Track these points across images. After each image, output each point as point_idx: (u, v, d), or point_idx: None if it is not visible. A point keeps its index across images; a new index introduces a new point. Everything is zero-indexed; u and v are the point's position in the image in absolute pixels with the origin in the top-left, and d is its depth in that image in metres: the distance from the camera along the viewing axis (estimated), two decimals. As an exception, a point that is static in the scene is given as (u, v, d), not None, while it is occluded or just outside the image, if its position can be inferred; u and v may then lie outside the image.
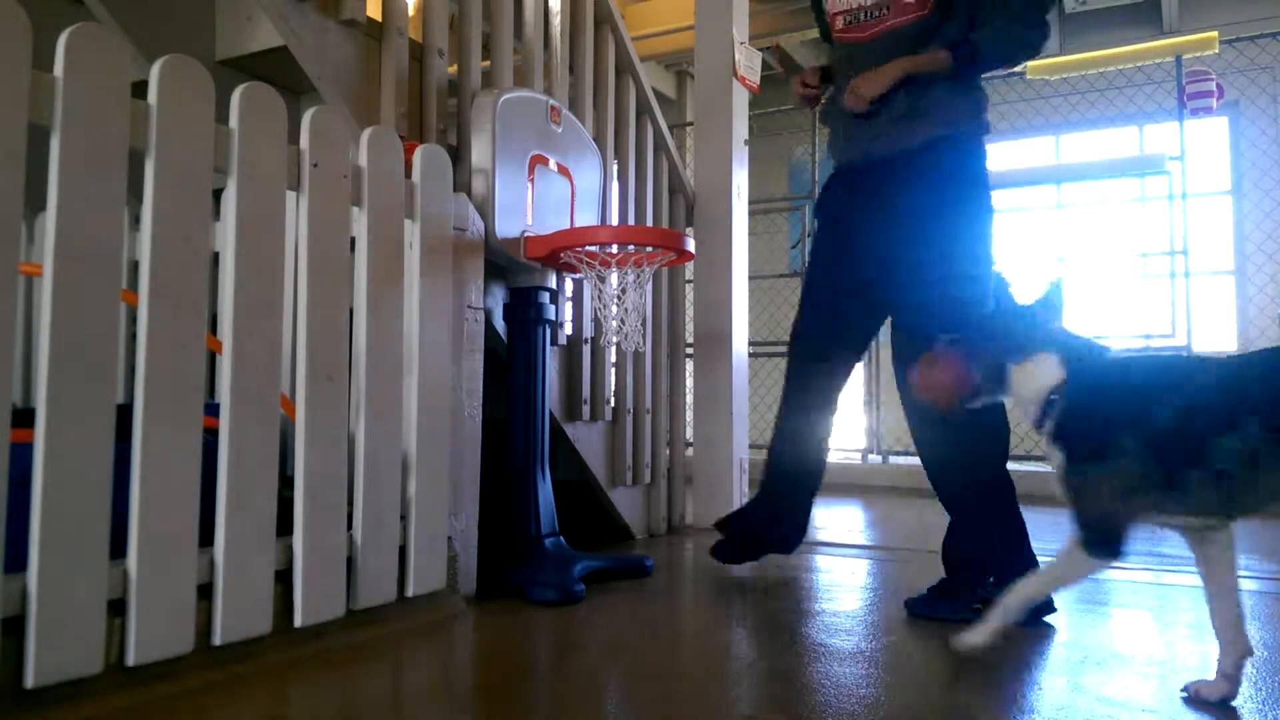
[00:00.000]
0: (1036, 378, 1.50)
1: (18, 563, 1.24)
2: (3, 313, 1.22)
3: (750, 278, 3.44)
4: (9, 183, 1.23)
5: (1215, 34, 5.00)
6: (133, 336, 1.48)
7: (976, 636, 1.51)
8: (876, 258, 2.10)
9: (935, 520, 3.31)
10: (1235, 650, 1.44)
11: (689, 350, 3.40)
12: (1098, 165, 6.19)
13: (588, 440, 2.75)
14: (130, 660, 1.33)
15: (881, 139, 2.05)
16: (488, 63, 2.45)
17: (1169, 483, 1.37)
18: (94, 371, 1.30)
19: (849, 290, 2.18)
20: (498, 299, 2.32)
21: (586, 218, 2.49)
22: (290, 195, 1.64)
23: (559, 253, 2.16)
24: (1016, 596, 1.51)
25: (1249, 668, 1.59)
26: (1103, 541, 1.43)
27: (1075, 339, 1.52)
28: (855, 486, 5.06)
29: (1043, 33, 2.01)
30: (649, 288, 2.98)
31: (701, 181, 3.32)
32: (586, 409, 2.72)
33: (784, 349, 2.50)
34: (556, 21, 2.67)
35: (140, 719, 1.29)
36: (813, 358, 2.28)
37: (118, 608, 1.34)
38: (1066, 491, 1.49)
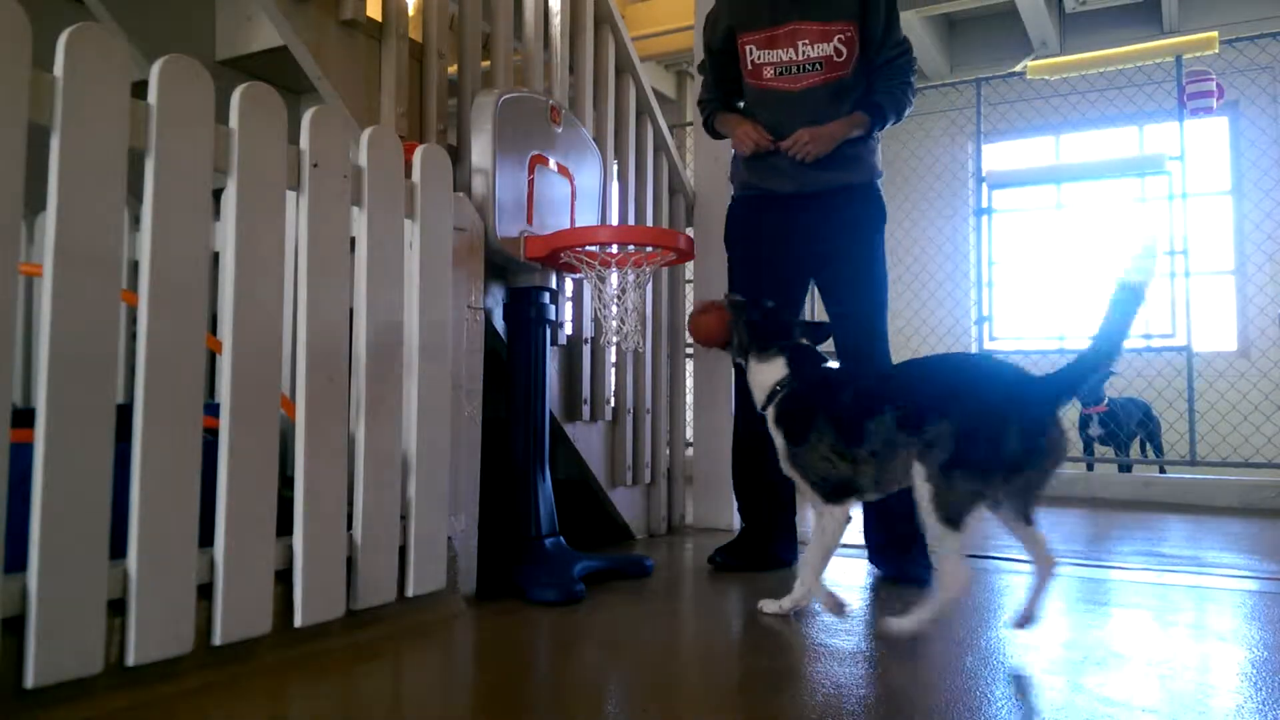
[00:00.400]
0: (768, 372, 1.95)
1: (18, 563, 1.24)
2: (3, 313, 1.22)
3: (750, 278, 3.43)
4: (9, 183, 1.23)
5: (1215, 34, 5.01)
6: (133, 336, 1.48)
7: (791, 599, 1.93)
8: (828, 268, 2.47)
9: (935, 520, 3.31)
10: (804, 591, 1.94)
11: (689, 350, 3.40)
12: (1098, 165, 6.20)
13: (588, 440, 2.75)
14: (130, 660, 1.33)
15: (826, 176, 2.41)
16: (488, 63, 2.45)
17: (848, 458, 1.80)
18: (94, 371, 1.30)
19: (792, 298, 2.49)
20: (498, 299, 2.32)
21: (586, 218, 2.49)
22: (290, 195, 1.64)
23: (559, 253, 2.16)
24: (809, 571, 1.87)
25: (1249, 668, 1.60)
26: (831, 496, 1.84)
27: (802, 350, 1.95)
28: (855, 486, 5.06)
29: (914, 93, 2.48)
30: (649, 288, 2.98)
31: (701, 181, 3.32)
32: (586, 409, 2.72)
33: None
34: (556, 21, 2.67)
35: (140, 719, 1.29)
36: None
37: (118, 608, 1.34)
38: (793, 466, 1.89)
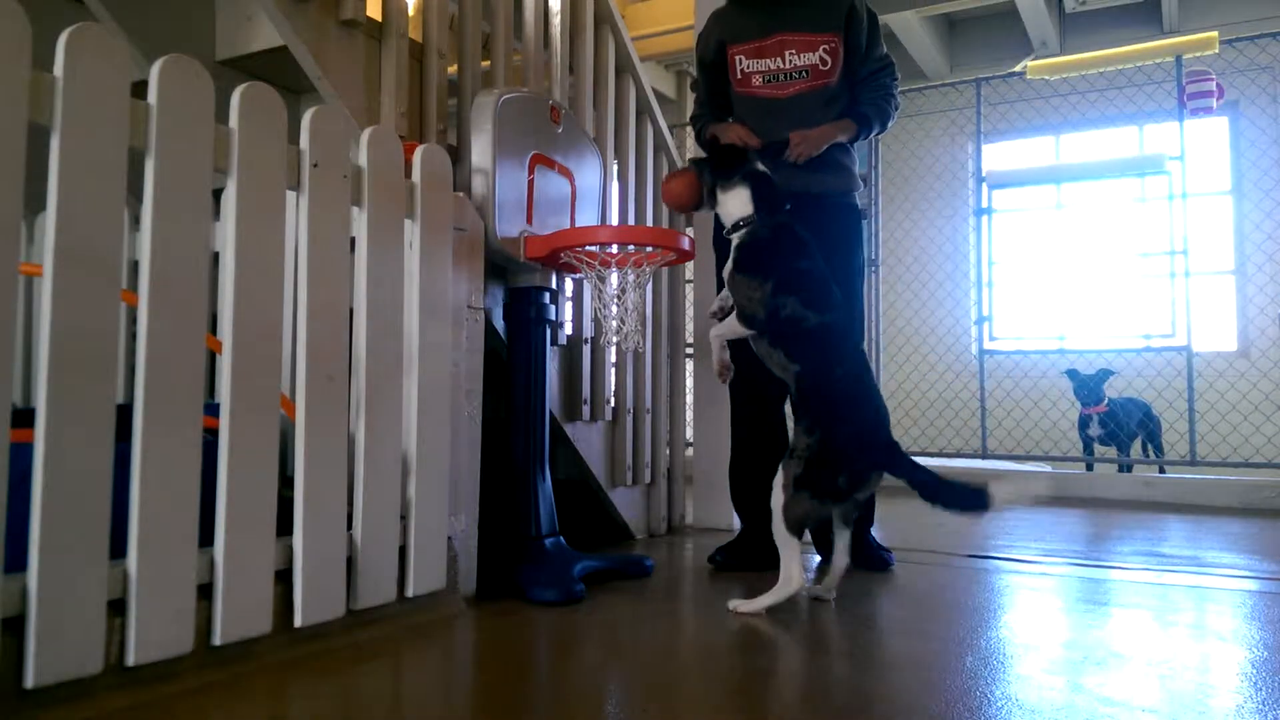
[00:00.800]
0: (735, 202, 2.14)
1: (18, 563, 1.24)
2: (3, 313, 1.22)
3: (750, 278, 3.43)
4: (9, 183, 1.23)
5: (1215, 34, 5.01)
6: (133, 336, 1.48)
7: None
8: None
9: (935, 520, 3.32)
10: None
11: (689, 350, 3.40)
12: (1098, 165, 6.20)
13: (588, 440, 2.75)
14: (130, 660, 1.33)
15: (816, 180, 2.47)
16: (488, 63, 2.45)
17: (761, 326, 2.05)
18: (94, 371, 1.30)
19: None
20: (498, 299, 2.32)
21: (586, 218, 2.49)
22: (290, 195, 1.64)
23: (559, 253, 2.16)
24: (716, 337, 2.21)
25: (1249, 668, 1.60)
26: (741, 319, 2.09)
27: (761, 178, 2.14)
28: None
29: (897, 106, 2.58)
30: (649, 288, 2.98)
31: (701, 181, 3.32)
32: (586, 409, 2.72)
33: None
34: (556, 21, 2.67)
35: (140, 719, 1.29)
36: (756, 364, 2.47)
37: (118, 608, 1.34)
38: (730, 283, 2.13)
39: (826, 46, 2.47)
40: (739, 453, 2.63)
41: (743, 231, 2.12)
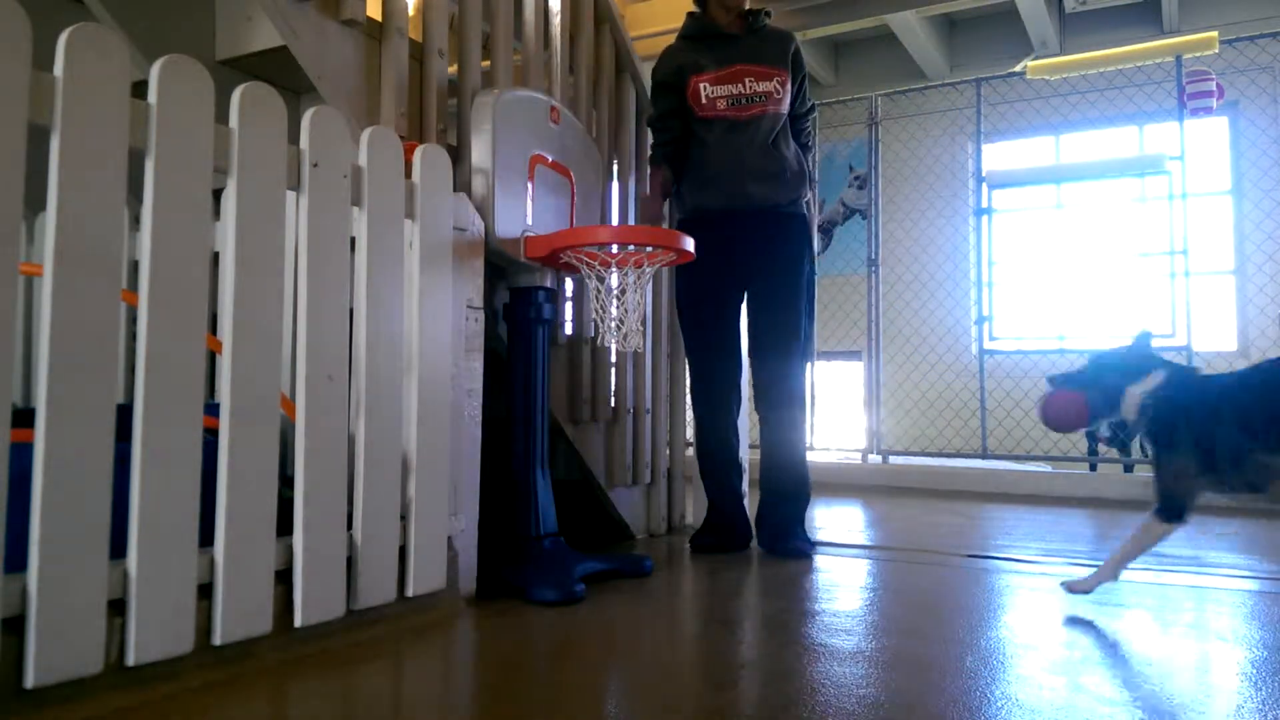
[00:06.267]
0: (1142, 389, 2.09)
1: (18, 563, 1.24)
2: (3, 313, 1.22)
3: (750, 278, 3.43)
4: (9, 183, 1.23)
5: (1215, 34, 5.00)
6: (133, 336, 1.48)
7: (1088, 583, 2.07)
8: (757, 280, 2.79)
9: (934, 520, 3.32)
10: None
11: (689, 350, 3.39)
12: (1098, 165, 6.20)
13: (588, 440, 2.75)
14: (130, 660, 1.33)
15: (760, 193, 2.74)
16: (488, 63, 2.45)
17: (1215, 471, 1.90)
18: (94, 371, 1.30)
19: (732, 311, 2.85)
20: (498, 299, 2.32)
21: (586, 218, 2.49)
22: (290, 195, 1.64)
23: (559, 253, 2.16)
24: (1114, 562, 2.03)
25: (1249, 668, 1.60)
26: (1169, 511, 1.96)
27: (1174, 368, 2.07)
28: (855, 486, 5.06)
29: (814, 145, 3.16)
30: (649, 288, 2.98)
31: (701, 181, 3.31)
32: (586, 409, 2.72)
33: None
34: (556, 21, 2.67)
35: (140, 719, 1.29)
36: (715, 361, 2.84)
37: (118, 608, 1.34)
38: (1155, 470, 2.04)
39: (778, 79, 2.75)
40: (705, 451, 2.86)
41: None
